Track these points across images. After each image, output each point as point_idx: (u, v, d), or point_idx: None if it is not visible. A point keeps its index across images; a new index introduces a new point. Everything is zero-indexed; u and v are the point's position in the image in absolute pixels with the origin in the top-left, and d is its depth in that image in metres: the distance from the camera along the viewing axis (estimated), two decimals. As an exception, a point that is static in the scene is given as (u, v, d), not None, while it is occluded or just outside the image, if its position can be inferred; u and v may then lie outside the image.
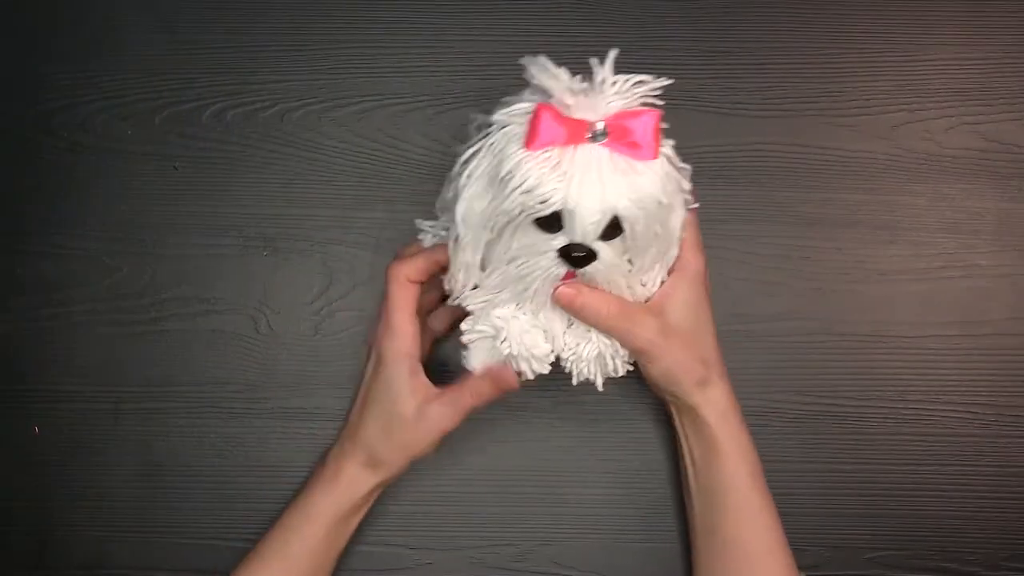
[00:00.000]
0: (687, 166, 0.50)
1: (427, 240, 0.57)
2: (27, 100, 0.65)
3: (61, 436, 0.64)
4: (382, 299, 0.55)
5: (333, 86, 0.65)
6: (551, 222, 0.47)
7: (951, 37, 0.65)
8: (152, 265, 0.65)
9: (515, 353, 0.53)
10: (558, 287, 0.51)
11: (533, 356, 0.53)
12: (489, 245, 0.50)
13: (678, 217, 0.51)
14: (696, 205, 0.52)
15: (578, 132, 0.45)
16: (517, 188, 0.45)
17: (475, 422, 0.63)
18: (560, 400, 0.64)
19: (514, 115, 0.47)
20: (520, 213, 0.46)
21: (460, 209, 0.49)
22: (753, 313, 0.64)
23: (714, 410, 0.56)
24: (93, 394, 0.64)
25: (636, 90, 0.46)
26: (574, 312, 0.52)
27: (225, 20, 0.65)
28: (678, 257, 0.54)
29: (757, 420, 0.63)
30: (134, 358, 0.64)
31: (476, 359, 0.54)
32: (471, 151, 0.49)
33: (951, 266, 0.64)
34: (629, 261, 0.51)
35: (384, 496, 0.63)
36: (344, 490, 0.57)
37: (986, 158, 0.65)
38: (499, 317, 0.52)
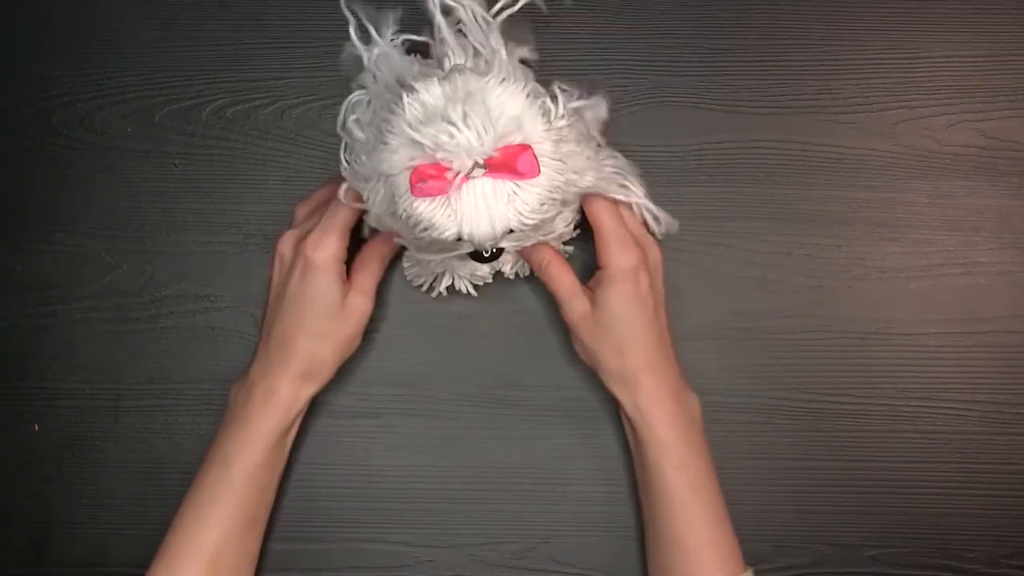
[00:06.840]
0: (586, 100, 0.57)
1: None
2: (26, 98, 0.65)
3: (61, 433, 0.64)
4: (306, 203, 0.60)
5: (333, 83, 0.65)
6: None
7: (951, 34, 0.65)
8: (152, 262, 0.65)
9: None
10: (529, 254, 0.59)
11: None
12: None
13: (584, 180, 0.55)
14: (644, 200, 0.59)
15: (460, 175, 0.47)
16: (416, 227, 0.48)
17: (474, 419, 0.64)
18: (560, 397, 0.64)
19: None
20: (425, 238, 0.49)
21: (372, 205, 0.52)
22: (753, 310, 0.64)
23: (632, 404, 0.57)
24: (93, 391, 0.64)
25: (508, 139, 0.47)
26: (541, 272, 0.58)
27: (225, 17, 0.65)
28: (602, 254, 0.57)
29: (757, 417, 0.63)
30: (134, 355, 0.64)
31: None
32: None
33: (951, 263, 0.64)
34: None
35: (384, 493, 0.63)
36: (283, 409, 0.57)
37: (987, 155, 0.64)
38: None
